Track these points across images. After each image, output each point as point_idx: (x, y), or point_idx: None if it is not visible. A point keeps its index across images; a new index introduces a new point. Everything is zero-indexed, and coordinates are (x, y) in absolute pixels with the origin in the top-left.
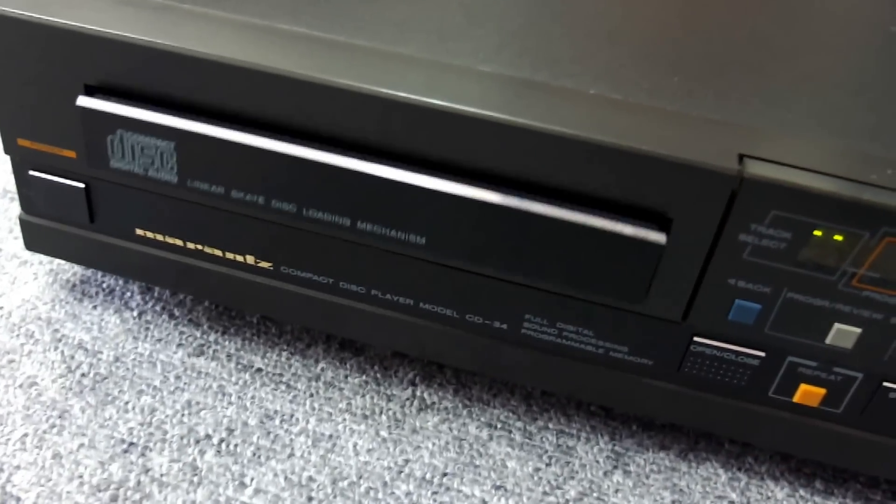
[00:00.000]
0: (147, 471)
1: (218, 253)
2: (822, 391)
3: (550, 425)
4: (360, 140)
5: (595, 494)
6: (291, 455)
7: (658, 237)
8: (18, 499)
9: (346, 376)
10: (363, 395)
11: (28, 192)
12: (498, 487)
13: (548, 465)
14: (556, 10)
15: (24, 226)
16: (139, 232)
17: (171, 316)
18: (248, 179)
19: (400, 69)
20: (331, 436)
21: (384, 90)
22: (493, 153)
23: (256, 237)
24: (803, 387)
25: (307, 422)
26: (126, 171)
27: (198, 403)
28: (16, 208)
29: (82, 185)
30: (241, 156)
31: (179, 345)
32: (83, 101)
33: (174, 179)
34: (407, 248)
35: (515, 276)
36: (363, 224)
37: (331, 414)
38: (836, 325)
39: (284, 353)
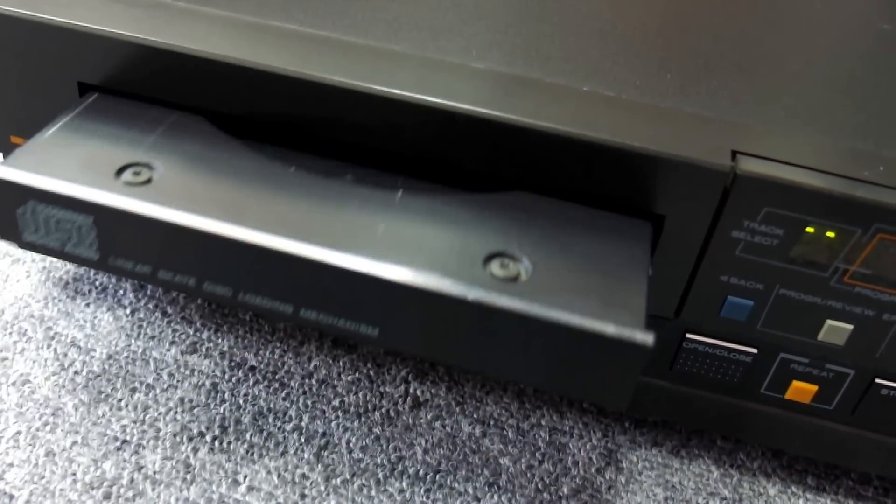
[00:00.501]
0: (140, 468)
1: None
2: (814, 388)
3: (543, 422)
4: (351, 138)
5: (588, 491)
6: (285, 452)
7: (644, 338)
8: (11, 496)
9: (340, 374)
10: (356, 393)
11: None
12: (491, 484)
13: (541, 462)
14: (549, 8)
15: None
16: None
17: (164, 314)
18: (177, 259)
19: (392, 66)
20: (324, 433)
21: (376, 87)
22: (485, 150)
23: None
24: (795, 383)
25: (300, 419)
26: (41, 246)
27: (191, 401)
28: None
29: None
30: (165, 235)
31: (172, 342)
32: None
33: (94, 257)
34: (359, 338)
35: (483, 371)
36: (307, 312)
37: (324, 411)
38: (828, 322)
39: (277, 351)
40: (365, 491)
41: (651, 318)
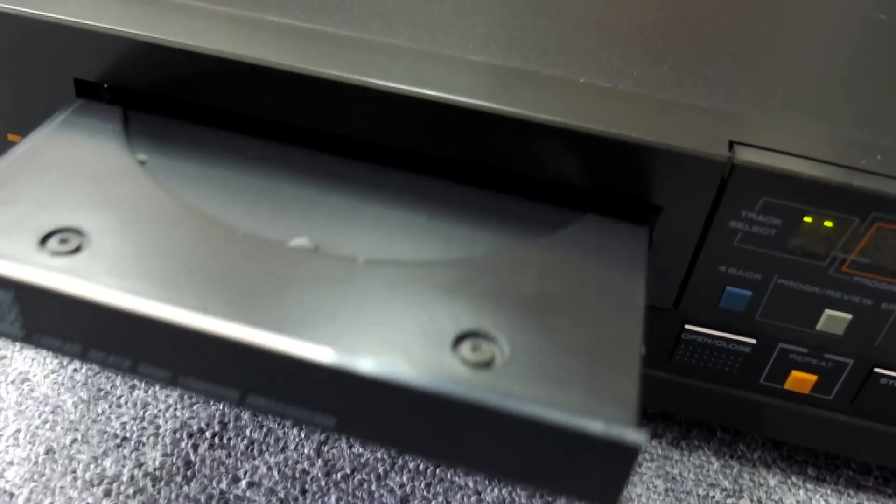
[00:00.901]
0: (140, 465)
1: None
2: (813, 378)
3: None
4: (346, 132)
5: None
6: (285, 448)
7: (636, 437)
8: (12, 494)
9: None
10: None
11: None
12: (492, 479)
13: None
14: (545, 1)
15: None
16: None
17: None
18: (109, 339)
19: (388, 59)
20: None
21: (372, 80)
22: (482, 143)
23: None
24: (794, 373)
25: None
26: None
27: (190, 398)
28: None
29: None
30: (95, 313)
31: None
32: None
33: (18, 334)
34: (314, 426)
35: (455, 466)
36: (255, 399)
37: None
38: (827, 312)
39: None
40: (365, 486)
41: (650, 309)
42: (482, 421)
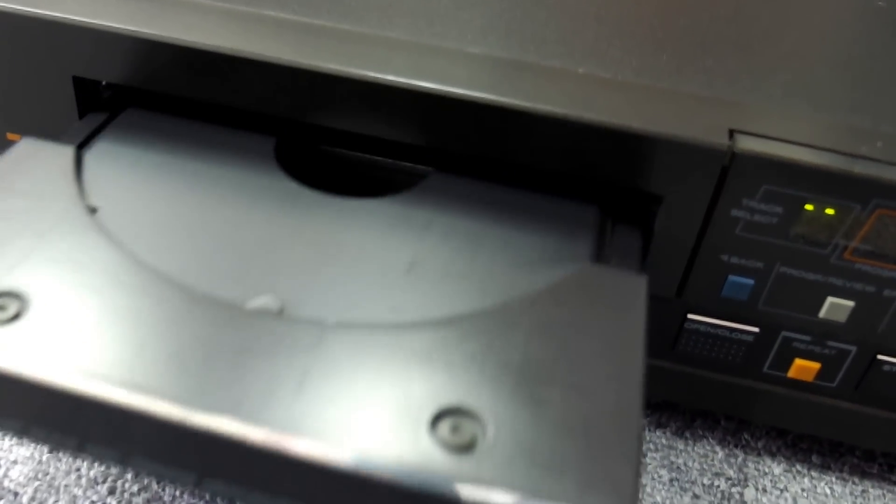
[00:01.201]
0: None
1: None
2: (816, 365)
3: None
4: (346, 126)
5: None
6: None
7: None
8: (16, 493)
9: None
10: None
11: None
12: None
13: None
14: None
15: None
16: None
17: None
18: (51, 418)
19: (387, 52)
20: None
21: (371, 74)
22: (482, 135)
23: None
24: (798, 361)
25: None
26: None
27: None
28: None
29: None
30: (36, 391)
31: None
32: None
33: None
34: None
35: None
36: (213, 483)
37: None
38: (830, 299)
39: None
40: None
41: (653, 299)
42: None
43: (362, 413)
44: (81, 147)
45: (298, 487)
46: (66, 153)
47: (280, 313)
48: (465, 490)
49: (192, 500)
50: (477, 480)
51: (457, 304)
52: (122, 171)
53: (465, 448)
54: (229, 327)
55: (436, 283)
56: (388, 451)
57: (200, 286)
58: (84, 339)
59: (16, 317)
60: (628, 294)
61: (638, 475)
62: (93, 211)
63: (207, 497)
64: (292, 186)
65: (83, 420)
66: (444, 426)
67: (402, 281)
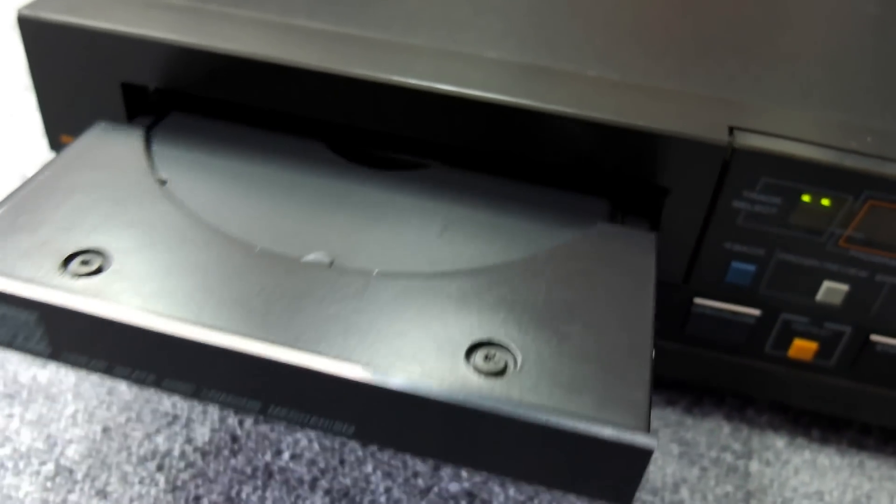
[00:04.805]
0: (190, 441)
1: None
2: (814, 345)
3: None
4: (373, 126)
5: None
6: None
7: (647, 441)
8: (71, 470)
9: None
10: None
11: None
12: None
13: None
14: (556, 0)
15: None
16: None
17: None
18: (132, 356)
19: (410, 58)
20: None
21: (395, 78)
22: (499, 134)
23: None
24: (797, 342)
25: None
26: None
27: None
28: None
29: None
30: (118, 332)
31: None
32: None
33: (45, 352)
34: (334, 434)
35: (472, 469)
36: (277, 409)
37: None
38: (826, 283)
39: None
40: (399, 455)
41: (661, 285)
42: (497, 428)
43: (407, 346)
44: (149, 129)
45: (352, 410)
46: (137, 134)
47: (331, 265)
48: (498, 405)
49: (235, 475)
50: (508, 399)
51: (486, 258)
52: (186, 151)
53: (498, 373)
54: (287, 276)
55: (466, 242)
56: (431, 376)
57: (260, 244)
58: (159, 287)
59: (98, 270)
60: (640, 248)
61: (649, 397)
62: (162, 183)
63: (249, 472)
64: (338, 161)
65: (160, 357)
66: (479, 356)
67: (436, 240)
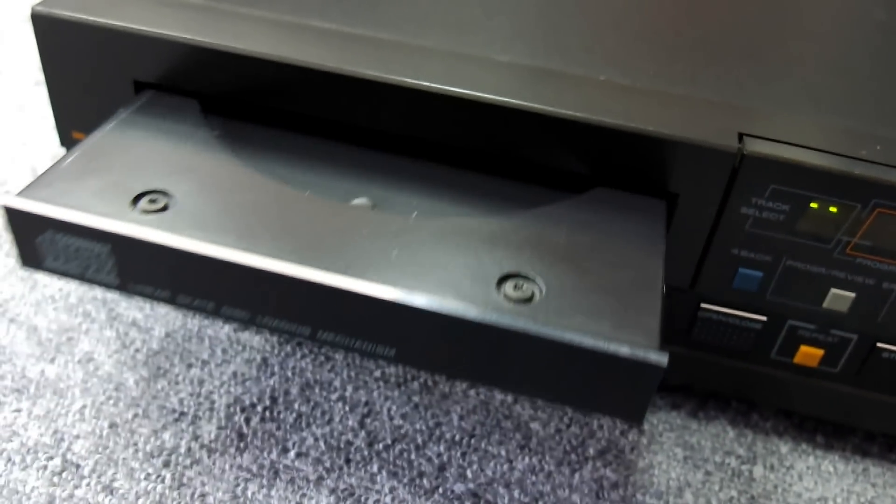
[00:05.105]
0: (197, 437)
1: None
2: (820, 352)
3: None
4: (385, 128)
5: (613, 452)
6: (330, 421)
7: (659, 358)
8: (78, 465)
9: None
10: (396, 365)
11: None
12: (523, 447)
13: (568, 426)
14: (566, 3)
15: None
16: None
17: None
18: (194, 285)
19: (422, 60)
20: (367, 402)
21: (407, 80)
22: (509, 137)
23: None
24: (803, 348)
25: (345, 390)
26: (62, 272)
27: (243, 374)
28: None
29: None
30: (182, 262)
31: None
32: (8, 201)
33: (114, 283)
34: (376, 357)
35: (500, 388)
36: (325, 334)
37: (366, 382)
38: (832, 291)
39: None
40: (405, 455)
41: (668, 290)
42: (524, 347)
43: (445, 276)
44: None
45: (394, 333)
46: (192, 101)
47: (373, 209)
48: (526, 325)
49: (241, 473)
50: (535, 320)
51: (512, 209)
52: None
53: (525, 300)
54: (334, 217)
55: (493, 197)
56: (467, 300)
57: (310, 191)
58: (219, 223)
59: (164, 208)
60: (651, 209)
61: (660, 324)
62: (217, 137)
63: (255, 469)
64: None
65: (220, 285)
66: (508, 285)
67: (468, 196)
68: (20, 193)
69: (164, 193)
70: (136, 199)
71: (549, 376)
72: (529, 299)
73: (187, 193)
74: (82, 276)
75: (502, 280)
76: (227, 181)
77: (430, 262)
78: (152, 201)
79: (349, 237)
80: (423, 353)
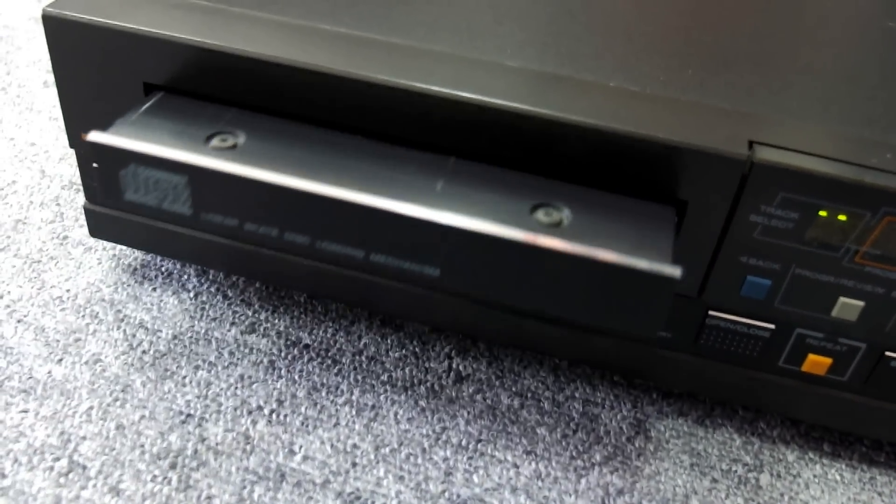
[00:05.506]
0: (203, 440)
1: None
2: (828, 361)
3: (577, 395)
4: (394, 132)
5: (619, 458)
6: (337, 424)
7: (672, 271)
8: (85, 467)
9: (388, 351)
10: (403, 368)
11: (92, 182)
12: (528, 452)
13: (575, 431)
14: (577, 9)
15: (89, 214)
16: None
17: (225, 297)
18: (261, 213)
19: (432, 64)
20: (373, 406)
21: (417, 84)
22: (518, 142)
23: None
24: (811, 357)
25: (351, 393)
26: (140, 204)
27: (250, 377)
28: (81, 198)
29: None
30: (252, 191)
31: (233, 323)
32: (94, 136)
33: (188, 213)
34: (422, 280)
35: (530, 307)
36: (376, 256)
37: (373, 386)
38: (841, 299)
39: (330, 330)
40: (412, 459)
41: (676, 297)
42: (555, 265)
43: (484, 203)
44: None
45: (441, 254)
46: None
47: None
48: (555, 244)
49: (248, 475)
50: (564, 239)
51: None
52: None
53: (555, 225)
54: (387, 157)
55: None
56: (504, 223)
57: (363, 139)
58: (283, 159)
59: (234, 146)
60: (661, 208)
61: (671, 249)
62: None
63: (261, 472)
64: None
65: (285, 212)
66: (540, 212)
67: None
68: (106, 131)
69: (232, 134)
70: (209, 138)
71: (575, 293)
72: (558, 224)
73: (253, 135)
74: (159, 208)
75: (534, 208)
76: (288, 129)
77: (469, 194)
78: (223, 140)
79: (398, 172)
80: (465, 273)
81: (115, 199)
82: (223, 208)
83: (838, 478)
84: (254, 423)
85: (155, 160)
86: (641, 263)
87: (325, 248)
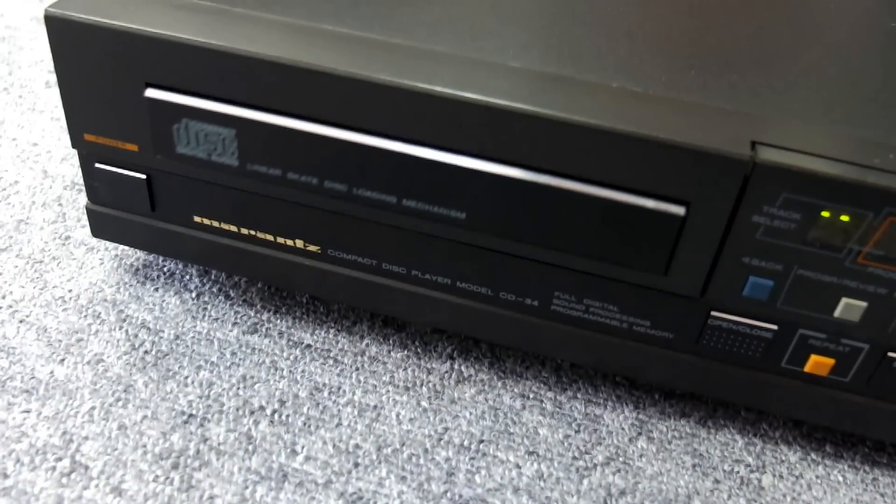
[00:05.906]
0: (206, 440)
1: (270, 238)
2: (831, 361)
3: (579, 395)
4: (399, 132)
5: (621, 459)
6: (339, 424)
7: (677, 210)
8: (87, 467)
9: (389, 351)
10: (405, 369)
11: (94, 183)
12: (531, 453)
13: (577, 432)
14: (579, 10)
15: (91, 214)
16: (196, 219)
17: (227, 297)
18: (303, 162)
19: (434, 65)
20: (375, 406)
21: (420, 84)
22: (520, 143)
23: (306, 223)
24: (813, 357)
25: (353, 393)
26: (191, 157)
27: (252, 377)
28: (83, 199)
29: (144, 176)
30: (296, 141)
31: (235, 323)
32: (151, 92)
33: (235, 163)
34: (448, 223)
35: (545, 250)
36: (408, 201)
37: (375, 386)
38: (844, 300)
39: (332, 330)
40: (413, 459)
41: (678, 297)
42: (565, 203)
43: None
44: None
45: (466, 198)
46: None
47: None
48: (563, 184)
49: (250, 475)
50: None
51: None
52: None
53: None
54: None
55: None
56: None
57: None
58: None
59: None
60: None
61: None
62: None
63: (264, 472)
64: None
65: (326, 160)
66: None
67: None
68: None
69: None
70: None
71: (583, 232)
72: None
73: None
74: (208, 160)
75: None
76: None
77: None
78: None
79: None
80: (488, 215)
81: (168, 153)
82: (268, 159)
83: (841, 479)
84: (256, 423)
85: (206, 114)
86: (648, 203)
87: (360, 193)
